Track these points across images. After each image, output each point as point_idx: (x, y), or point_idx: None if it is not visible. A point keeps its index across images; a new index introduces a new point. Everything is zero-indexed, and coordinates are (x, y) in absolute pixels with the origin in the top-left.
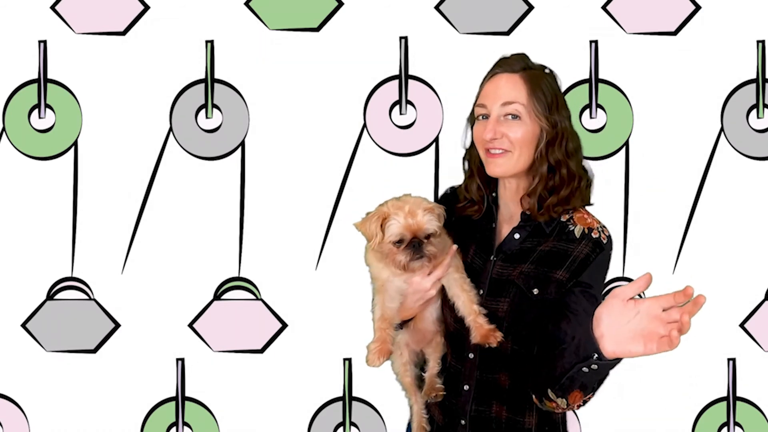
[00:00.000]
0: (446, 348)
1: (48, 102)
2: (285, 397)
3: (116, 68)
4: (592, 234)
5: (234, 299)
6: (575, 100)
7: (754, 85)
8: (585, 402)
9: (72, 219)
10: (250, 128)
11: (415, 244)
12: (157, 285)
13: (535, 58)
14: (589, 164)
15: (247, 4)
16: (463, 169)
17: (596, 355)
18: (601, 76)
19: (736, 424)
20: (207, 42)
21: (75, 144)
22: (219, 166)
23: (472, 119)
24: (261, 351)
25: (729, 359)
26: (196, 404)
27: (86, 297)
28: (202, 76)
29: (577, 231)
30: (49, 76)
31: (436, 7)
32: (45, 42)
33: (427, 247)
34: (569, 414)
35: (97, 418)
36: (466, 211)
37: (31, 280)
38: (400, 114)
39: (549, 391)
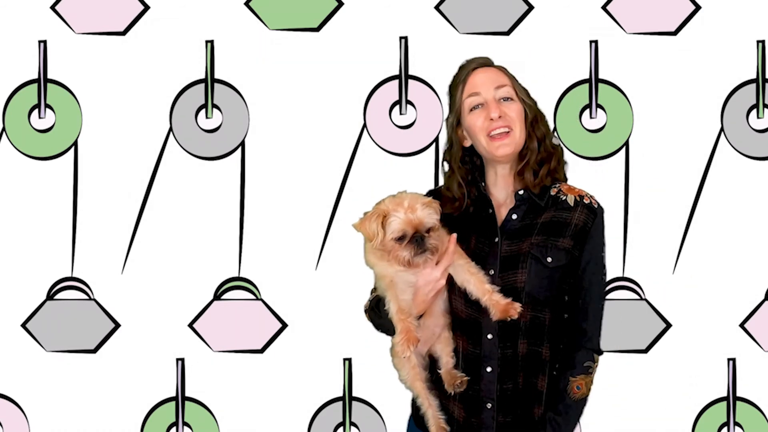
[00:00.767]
0: (455, 341)
1: (48, 102)
2: (285, 397)
3: (116, 68)
4: (584, 200)
5: (234, 299)
6: (575, 100)
7: (754, 85)
8: (589, 382)
9: (72, 219)
10: (250, 128)
11: (417, 239)
12: (157, 285)
13: (535, 58)
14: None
15: (247, 4)
16: (443, 170)
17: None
18: (601, 76)
19: (736, 424)
20: (207, 42)
21: (75, 144)
22: (219, 166)
23: (456, 117)
24: (261, 351)
25: (729, 359)
26: (196, 404)
27: (86, 297)
28: (202, 76)
29: (570, 200)
30: (49, 76)
31: (436, 7)
32: (45, 42)
33: (429, 240)
34: None
35: (97, 418)
36: (446, 209)
37: (31, 280)
38: (400, 114)
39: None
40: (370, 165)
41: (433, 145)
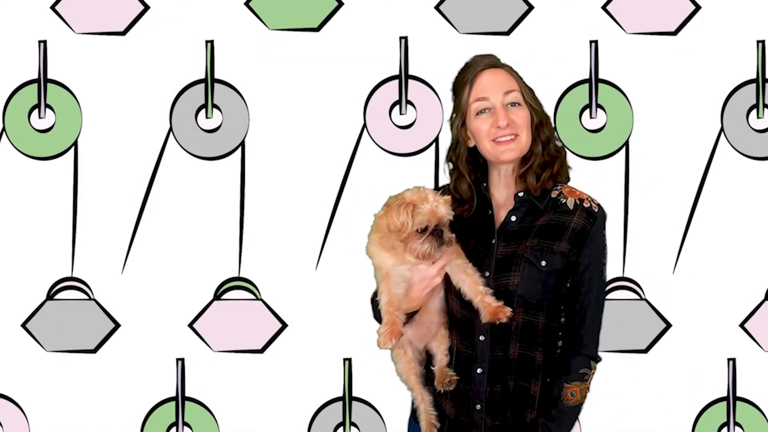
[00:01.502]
0: (451, 339)
1: (48, 102)
2: (285, 397)
3: (116, 68)
4: (584, 204)
5: (234, 299)
6: (575, 100)
7: (754, 85)
8: (587, 388)
9: (72, 219)
10: (250, 128)
11: (438, 233)
12: (157, 285)
13: (535, 58)
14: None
15: (247, 4)
16: (447, 169)
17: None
18: (601, 76)
19: (736, 424)
20: (207, 42)
21: (75, 144)
22: (219, 166)
23: (461, 118)
24: (261, 351)
25: (729, 359)
26: (196, 404)
27: (86, 297)
28: (202, 76)
29: (570, 203)
30: (49, 76)
31: (436, 7)
32: (45, 42)
33: (446, 234)
34: None
35: (97, 418)
36: (456, 211)
37: (31, 280)
38: (400, 114)
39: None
40: (370, 165)
41: (433, 145)
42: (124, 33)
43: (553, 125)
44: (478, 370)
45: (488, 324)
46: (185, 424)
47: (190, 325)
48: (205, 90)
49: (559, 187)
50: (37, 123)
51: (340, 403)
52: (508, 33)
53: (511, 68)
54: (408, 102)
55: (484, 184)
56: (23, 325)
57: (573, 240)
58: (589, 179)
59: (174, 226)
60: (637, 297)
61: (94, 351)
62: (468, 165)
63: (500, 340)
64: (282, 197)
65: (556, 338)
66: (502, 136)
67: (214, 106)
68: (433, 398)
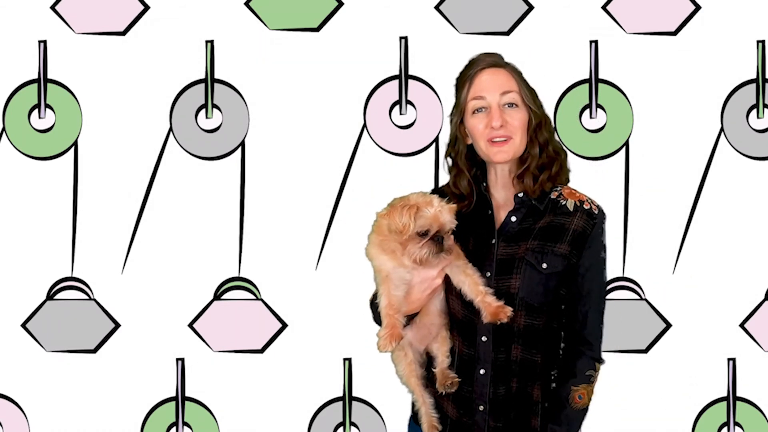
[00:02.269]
0: (452, 341)
1: (48, 102)
2: (285, 397)
3: (116, 68)
4: (584, 206)
5: (234, 299)
6: (575, 100)
7: (754, 85)
8: (591, 388)
9: (72, 219)
10: (250, 128)
11: (438, 238)
12: (157, 285)
13: (535, 58)
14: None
15: (247, 4)
16: (446, 165)
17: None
18: (601, 76)
19: (736, 424)
20: (207, 42)
21: (75, 144)
22: (219, 166)
23: (459, 115)
24: (261, 351)
25: (729, 359)
26: (196, 404)
27: (86, 297)
28: (202, 76)
29: (569, 204)
30: (49, 76)
31: (436, 7)
32: (45, 42)
33: (446, 241)
34: None
35: (97, 418)
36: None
37: (31, 280)
38: (400, 114)
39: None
40: (370, 165)
41: (433, 145)
42: (124, 33)
43: (553, 127)
44: (481, 371)
45: (490, 325)
46: (185, 424)
47: (190, 325)
48: (205, 90)
49: (559, 189)
50: (37, 123)
51: (340, 403)
52: (508, 33)
53: (513, 68)
54: (408, 102)
55: (484, 184)
56: (23, 325)
57: (573, 242)
58: (589, 179)
59: (174, 226)
60: (637, 297)
61: (94, 351)
62: (467, 161)
63: (503, 341)
64: (282, 197)
65: (557, 340)
66: (496, 136)
67: (214, 106)
68: (434, 400)
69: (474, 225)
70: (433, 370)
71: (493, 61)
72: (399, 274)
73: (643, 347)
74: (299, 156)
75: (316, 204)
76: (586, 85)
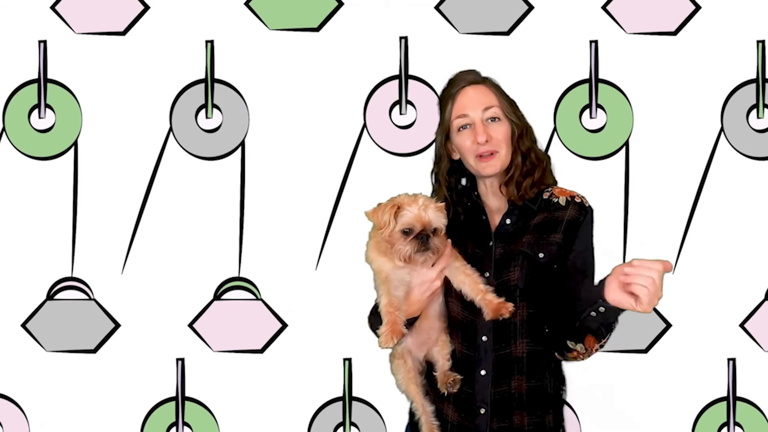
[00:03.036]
0: (452, 344)
1: (48, 102)
2: (285, 397)
3: (116, 68)
4: (575, 199)
5: (234, 299)
6: (575, 100)
7: (754, 85)
8: (601, 347)
9: (72, 219)
10: (250, 128)
11: (422, 237)
12: (157, 285)
13: (535, 58)
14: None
15: (247, 4)
16: (432, 183)
17: (600, 300)
18: (601, 76)
19: (736, 424)
20: (207, 42)
21: (75, 144)
22: (219, 166)
23: (444, 134)
24: (261, 351)
25: (729, 359)
26: (196, 404)
27: (86, 297)
28: (202, 76)
29: (562, 200)
30: (49, 76)
31: (436, 7)
32: (45, 42)
33: (432, 241)
34: (569, 414)
35: (97, 418)
36: None
37: (31, 280)
38: (400, 114)
39: (567, 341)
40: (370, 165)
41: (433, 145)
42: (124, 33)
43: (534, 135)
44: (482, 372)
45: (491, 323)
46: (185, 424)
47: (190, 325)
48: (205, 90)
49: (549, 189)
50: (37, 123)
51: (340, 403)
52: (508, 33)
53: (492, 82)
54: (408, 102)
55: (476, 193)
56: (23, 325)
57: (566, 231)
58: (589, 179)
59: (174, 226)
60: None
61: (94, 351)
62: (448, 177)
63: (504, 337)
64: (282, 197)
65: (557, 330)
66: (483, 152)
67: (214, 106)
68: (434, 408)
69: (470, 231)
70: (434, 374)
71: (472, 78)
72: (398, 275)
73: (643, 347)
74: (299, 156)
75: (316, 204)
76: (586, 85)
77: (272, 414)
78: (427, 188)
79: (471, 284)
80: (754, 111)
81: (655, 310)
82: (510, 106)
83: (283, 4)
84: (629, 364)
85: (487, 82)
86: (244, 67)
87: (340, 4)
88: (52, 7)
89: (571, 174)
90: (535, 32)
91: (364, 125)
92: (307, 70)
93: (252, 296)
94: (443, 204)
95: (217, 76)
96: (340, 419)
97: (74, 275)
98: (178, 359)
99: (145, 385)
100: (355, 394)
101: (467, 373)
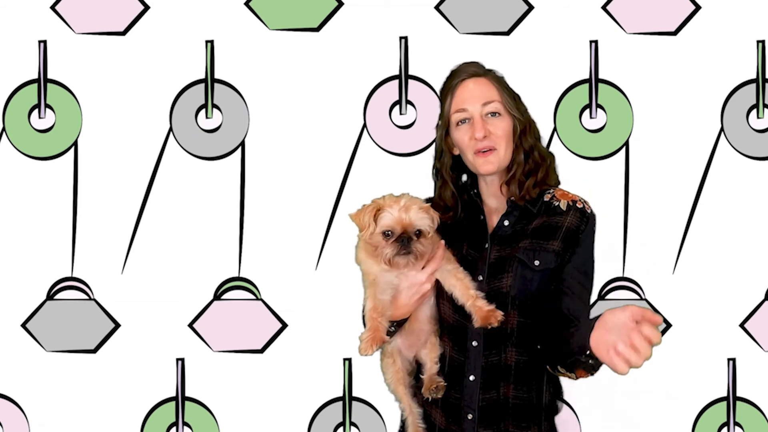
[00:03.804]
0: (442, 347)
1: (48, 102)
2: (285, 397)
3: (116, 68)
4: (577, 205)
5: (234, 299)
6: (575, 100)
7: (754, 85)
8: (591, 375)
9: (72, 219)
10: (250, 128)
11: (403, 240)
12: (157, 285)
13: (535, 58)
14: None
15: (247, 4)
16: (434, 178)
17: (589, 351)
18: (601, 76)
19: (736, 424)
20: (207, 42)
21: (75, 144)
22: (219, 166)
23: (444, 128)
24: (261, 351)
25: (729, 359)
26: (196, 404)
27: (86, 297)
28: (202, 76)
29: (563, 204)
30: (49, 76)
31: (436, 7)
32: (45, 42)
33: (415, 244)
34: (569, 414)
35: (97, 418)
36: (441, 218)
37: (31, 280)
38: (400, 114)
39: (559, 367)
40: (370, 165)
41: (433, 145)
42: (124, 33)
43: (538, 131)
44: (471, 378)
45: (481, 329)
46: (185, 424)
47: (190, 325)
48: (205, 90)
49: (551, 191)
50: (37, 123)
51: (340, 403)
52: (508, 33)
53: (495, 75)
54: (408, 102)
55: (475, 191)
56: (23, 325)
57: (566, 239)
58: (589, 179)
59: (174, 226)
60: (637, 297)
61: (94, 351)
62: (452, 173)
63: (494, 344)
64: (282, 197)
65: (549, 341)
66: (481, 148)
67: (214, 106)
68: (422, 410)
69: (467, 231)
70: (421, 376)
71: (473, 70)
72: (386, 278)
73: None
74: (299, 156)
75: (316, 204)
76: (586, 85)
77: (272, 414)
78: (427, 188)
79: (462, 289)
80: (754, 111)
81: (655, 310)
82: (512, 101)
83: (283, 4)
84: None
85: (489, 74)
86: (244, 67)
87: (340, 4)
88: (52, 7)
89: (571, 174)
90: (535, 32)
91: (364, 125)
92: (307, 70)
93: (252, 296)
94: (428, 206)
95: (217, 76)
96: (340, 419)
97: (74, 275)
98: (178, 359)
99: (145, 385)
100: (355, 394)
101: (456, 377)
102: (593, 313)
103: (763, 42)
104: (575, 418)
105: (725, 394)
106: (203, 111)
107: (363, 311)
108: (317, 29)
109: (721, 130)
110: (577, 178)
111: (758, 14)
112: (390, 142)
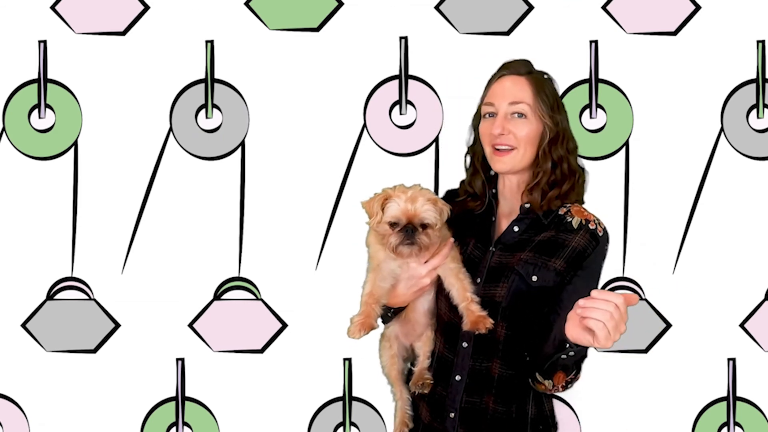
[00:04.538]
0: (436, 342)
1: (48, 102)
2: (285, 397)
3: (116, 68)
4: (590, 225)
5: (234, 299)
6: (575, 100)
7: (754, 85)
8: (568, 383)
9: (72, 219)
10: (250, 128)
11: (408, 230)
12: (157, 285)
13: (535, 58)
14: (583, 163)
15: (247, 4)
16: (465, 165)
17: (568, 344)
18: (601, 76)
19: (736, 424)
20: (207, 42)
21: (75, 144)
22: (219, 166)
23: (477, 118)
24: (261, 351)
25: (729, 359)
26: (196, 404)
27: (86, 297)
28: (202, 76)
29: (575, 222)
30: (49, 76)
31: (436, 7)
32: (45, 42)
33: (419, 235)
34: (569, 414)
35: (97, 418)
36: (467, 205)
37: (31, 280)
38: (400, 114)
39: (536, 374)
40: (370, 165)
41: (433, 145)
42: (124, 33)
43: (574, 144)
44: (457, 378)
45: (471, 332)
46: (185, 424)
47: (190, 325)
48: (205, 90)
49: (568, 206)
50: (37, 123)
51: (340, 403)
52: (508, 33)
53: (537, 78)
54: (408, 102)
55: (494, 190)
56: (23, 325)
57: (571, 260)
58: (589, 179)
59: (174, 226)
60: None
61: (94, 351)
62: (484, 163)
63: (483, 351)
64: (282, 197)
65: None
66: (498, 144)
67: (214, 106)
68: (412, 399)
69: (477, 229)
70: (412, 368)
71: (516, 69)
72: (390, 266)
73: (643, 347)
74: (299, 156)
75: (316, 204)
76: (586, 85)
77: (272, 414)
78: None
79: (460, 289)
80: (754, 111)
81: (655, 310)
82: (547, 108)
83: (283, 4)
84: (629, 364)
85: (531, 75)
86: (244, 67)
87: (340, 4)
88: (52, 7)
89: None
90: (535, 32)
91: (364, 125)
92: (307, 70)
93: (252, 296)
94: (437, 198)
95: (217, 76)
96: (340, 419)
97: (74, 275)
98: (178, 359)
99: (145, 385)
100: (355, 394)
101: (444, 374)
102: None
103: (763, 42)
104: (575, 418)
105: (725, 394)
106: (203, 111)
107: (362, 293)
108: (317, 29)
109: (721, 130)
110: None
111: (758, 14)
112: (390, 142)
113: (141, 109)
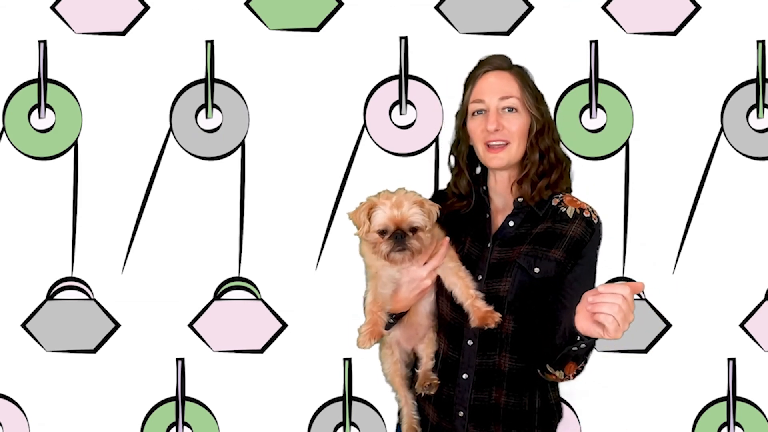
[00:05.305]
0: (439, 343)
1: (48, 102)
2: (285, 397)
3: (116, 68)
4: (584, 214)
5: (234, 299)
6: (575, 100)
7: (754, 85)
8: (579, 371)
9: (72, 219)
10: (250, 128)
11: (398, 236)
12: (157, 285)
13: (535, 58)
14: (567, 152)
15: (247, 4)
16: (449, 166)
17: (579, 337)
18: (601, 76)
19: (736, 424)
20: (207, 42)
21: (75, 144)
22: (219, 166)
23: (462, 117)
24: (261, 351)
25: (729, 359)
26: (196, 404)
27: (86, 297)
28: (202, 76)
29: (570, 212)
30: (49, 76)
31: (436, 7)
32: (45, 42)
33: (410, 240)
34: (569, 414)
35: (97, 418)
36: (454, 206)
37: (31, 280)
38: (400, 114)
39: (547, 365)
40: (370, 165)
41: (433, 145)
42: (124, 33)
43: (557, 134)
44: (464, 376)
45: (477, 329)
46: (185, 424)
47: (190, 325)
48: (205, 90)
49: (560, 196)
50: (37, 123)
51: (340, 403)
52: (508, 33)
53: (519, 72)
54: (408, 102)
55: (484, 187)
56: (23, 325)
57: (569, 249)
58: (589, 179)
59: (174, 226)
60: (637, 297)
61: (94, 351)
62: (468, 163)
63: (489, 346)
64: (282, 197)
65: (546, 348)
66: (492, 140)
67: (214, 106)
68: (417, 402)
69: (471, 228)
70: (416, 371)
71: (498, 63)
72: (388, 272)
73: (643, 347)
74: (299, 156)
75: (316, 204)
76: (586, 85)
77: (272, 414)
78: (427, 188)
79: (462, 287)
80: (754, 111)
81: (655, 310)
82: (533, 99)
83: (283, 4)
84: (629, 364)
85: (513, 69)
86: (244, 67)
87: (340, 4)
88: (52, 7)
89: (571, 174)
90: (535, 32)
91: (364, 125)
92: (307, 70)
93: (252, 296)
94: (423, 200)
95: (217, 76)
96: (340, 419)
97: (74, 275)
98: (178, 359)
99: (145, 385)
100: (355, 394)
101: (450, 374)
102: None
103: (763, 42)
104: (575, 418)
105: (725, 394)
106: (203, 111)
107: (364, 303)
108: (317, 29)
109: (721, 130)
110: (577, 178)
111: (758, 14)
112: (390, 142)
113: (141, 109)
